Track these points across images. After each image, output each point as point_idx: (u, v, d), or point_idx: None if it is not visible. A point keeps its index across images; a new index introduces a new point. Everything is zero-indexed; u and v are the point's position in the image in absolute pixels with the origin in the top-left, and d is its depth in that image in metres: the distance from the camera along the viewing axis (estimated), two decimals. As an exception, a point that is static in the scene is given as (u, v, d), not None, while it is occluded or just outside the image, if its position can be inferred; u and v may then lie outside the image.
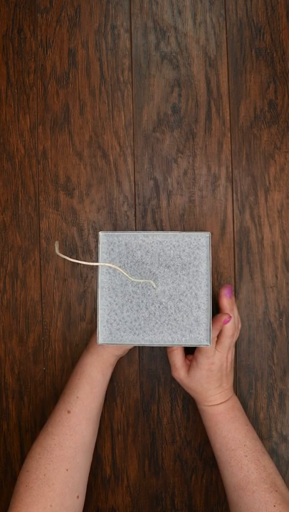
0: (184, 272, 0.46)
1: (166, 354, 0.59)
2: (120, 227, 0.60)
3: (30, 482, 0.46)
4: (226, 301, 0.51)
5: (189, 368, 0.52)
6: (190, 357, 0.53)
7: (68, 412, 0.50)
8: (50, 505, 0.44)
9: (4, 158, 0.61)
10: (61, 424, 0.49)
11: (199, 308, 0.46)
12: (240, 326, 0.55)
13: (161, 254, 0.47)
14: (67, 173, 0.60)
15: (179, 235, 0.46)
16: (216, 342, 0.50)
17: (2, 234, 0.60)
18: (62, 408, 0.50)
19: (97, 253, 0.60)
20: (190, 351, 0.56)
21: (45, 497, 0.45)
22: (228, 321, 0.50)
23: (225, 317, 0.49)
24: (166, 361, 0.59)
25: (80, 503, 0.48)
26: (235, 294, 0.59)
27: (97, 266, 0.47)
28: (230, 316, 0.50)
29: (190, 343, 0.46)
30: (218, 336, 0.51)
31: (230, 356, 0.52)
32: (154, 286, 0.46)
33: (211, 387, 0.51)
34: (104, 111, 0.60)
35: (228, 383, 0.52)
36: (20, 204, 0.60)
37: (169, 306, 0.46)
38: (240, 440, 0.49)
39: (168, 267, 0.46)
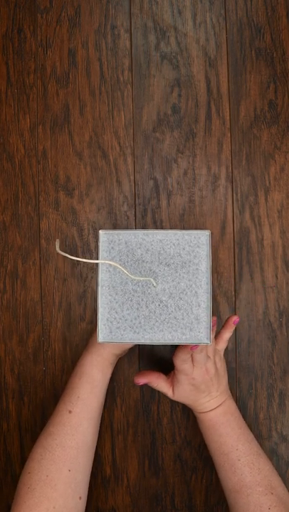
0: (184, 270, 0.46)
1: (165, 355, 0.59)
2: (120, 228, 0.60)
3: (33, 484, 0.45)
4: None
5: (173, 386, 0.52)
6: (172, 374, 0.53)
7: (69, 412, 0.49)
8: (54, 507, 0.44)
9: (4, 158, 0.61)
10: (62, 424, 0.49)
11: (199, 306, 0.46)
12: (227, 337, 0.53)
13: (162, 252, 0.46)
14: (67, 173, 0.60)
15: (179, 233, 0.46)
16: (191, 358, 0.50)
17: (2, 234, 0.60)
18: (63, 408, 0.50)
19: (97, 252, 0.60)
20: (171, 367, 0.55)
21: (48, 498, 0.44)
22: (195, 349, 0.48)
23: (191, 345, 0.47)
24: (166, 361, 0.59)
25: (82, 504, 0.48)
26: (235, 294, 0.59)
27: (97, 264, 0.47)
28: (197, 346, 0.47)
29: (190, 341, 0.46)
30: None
31: (212, 366, 0.51)
32: (154, 284, 0.46)
33: (199, 397, 0.51)
34: (104, 111, 0.60)
35: (217, 390, 0.52)
36: (20, 204, 0.60)
37: (169, 305, 0.46)
38: (232, 445, 0.49)
39: (168, 265, 0.46)
